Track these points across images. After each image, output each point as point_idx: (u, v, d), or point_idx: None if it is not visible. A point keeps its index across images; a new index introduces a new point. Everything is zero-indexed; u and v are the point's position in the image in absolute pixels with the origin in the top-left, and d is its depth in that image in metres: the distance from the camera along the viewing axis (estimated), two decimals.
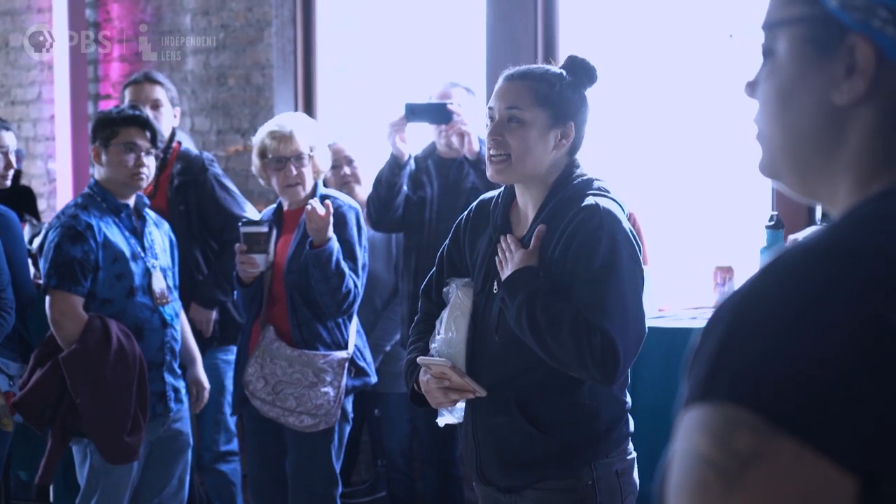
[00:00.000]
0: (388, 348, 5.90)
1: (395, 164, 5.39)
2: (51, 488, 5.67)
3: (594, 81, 3.17)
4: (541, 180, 3.16)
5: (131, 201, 4.84)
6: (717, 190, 5.87)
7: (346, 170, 5.90)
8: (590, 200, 3.06)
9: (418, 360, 3.21)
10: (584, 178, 3.15)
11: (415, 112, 5.31)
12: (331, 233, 4.72)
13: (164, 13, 7.33)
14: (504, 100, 3.14)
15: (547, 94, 3.10)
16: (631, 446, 3.22)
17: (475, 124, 5.55)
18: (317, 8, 6.89)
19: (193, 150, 5.87)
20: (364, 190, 5.87)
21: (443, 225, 5.45)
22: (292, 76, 6.88)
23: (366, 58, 7.06)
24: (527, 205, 3.20)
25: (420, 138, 5.60)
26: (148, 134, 4.76)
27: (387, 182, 5.40)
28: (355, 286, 4.78)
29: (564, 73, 3.15)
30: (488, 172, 3.19)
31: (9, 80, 7.99)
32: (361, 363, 4.95)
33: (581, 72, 3.15)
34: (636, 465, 3.23)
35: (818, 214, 4.86)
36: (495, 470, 3.20)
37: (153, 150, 4.80)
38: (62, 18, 7.47)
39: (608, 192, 3.14)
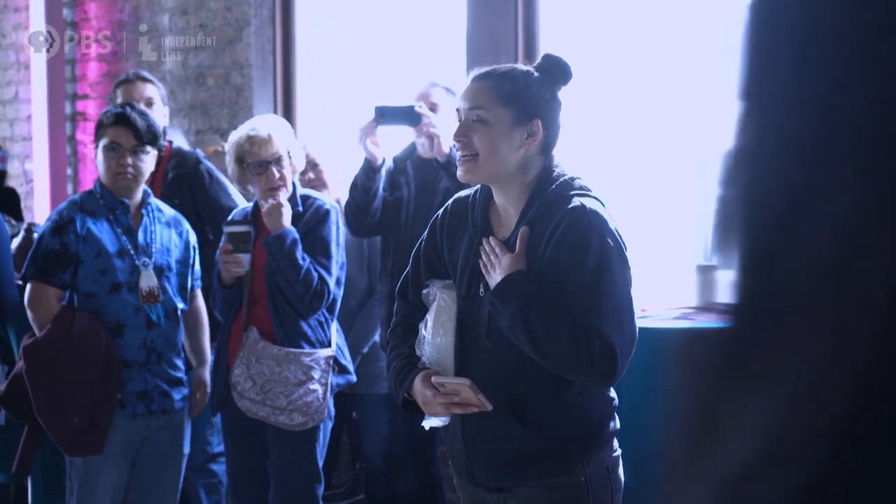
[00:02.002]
0: (365, 350, 5.86)
1: (370, 168, 5.36)
2: (29, 490, 5.61)
3: (568, 79, 3.15)
4: (516, 180, 3.15)
5: (136, 198, 4.85)
6: (697, 190, 5.85)
7: (311, 174, 5.83)
8: (576, 202, 3.05)
9: (433, 380, 3.15)
10: (565, 177, 3.14)
11: (384, 115, 5.28)
12: (285, 223, 4.72)
13: (143, 12, 7.30)
14: (468, 100, 3.15)
15: (510, 93, 3.10)
16: (616, 443, 3.23)
17: (453, 125, 5.51)
18: (296, 7, 6.85)
19: (185, 146, 5.89)
20: (331, 193, 5.80)
21: (419, 225, 5.41)
22: (272, 76, 6.85)
23: (346, 57, 7.03)
24: (506, 205, 3.19)
25: (402, 139, 5.57)
26: (132, 133, 4.74)
27: (362, 187, 5.37)
28: (321, 281, 4.76)
29: (534, 70, 3.14)
30: (458, 173, 3.18)
31: None
32: (343, 361, 4.95)
33: (554, 69, 3.14)
34: (621, 462, 3.24)
35: None
36: (487, 471, 3.20)
37: (143, 149, 4.77)
38: (39, 17, 7.43)
39: (589, 190, 3.14)
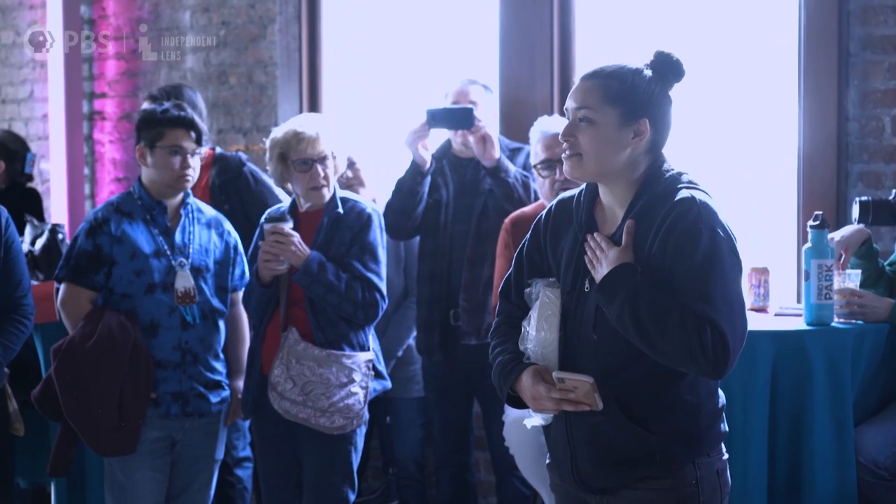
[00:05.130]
0: (399, 353, 5.78)
1: (417, 171, 5.32)
2: (52, 496, 5.53)
3: (680, 77, 3.13)
4: (623, 177, 3.13)
5: (176, 199, 4.83)
6: (747, 191, 5.79)
7: (349, 173, 5.74)
8: (685, 193, 3.03)
9: (554, 375, 3.12)
10: (672, 172, 3.12)
11: (436, 118, 5.25)
12: (305, 249, 4.65)
13: (163, 10, 7.19)
14: (575, 99, 3.14)
15: (617, 92, 3.08)
16: (724, 447, 3.19)
17: (492, 123, 5.46)
18: (322, 4, 6.76)
19: (225, 151, 5.88)
20: (368, 192, 5.75)
21: (458, 227, 5.36)
22: (297, 74, 6.74)
23: (373, 55, 6.94)
24: (612, 203, 3.17)
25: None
26: (193, 135, 4.75)
27: (408, 190, 5.32)
28: (367, 289, 4.70)
29: (645, 67, 3.12)
30: (564, 170, 3.17)
31: (0, 77, 7.83)
32: (380, 367, 4.88)
33: (666, 67, 3.11)
34: (728, 466, 3.20)
35: (855, 213, 4.76)
36: (593, 469, 3.16)
37: (199, 151, 4.79)
38: (56, 15, 7.32)
39: (697, 185, 3.11)
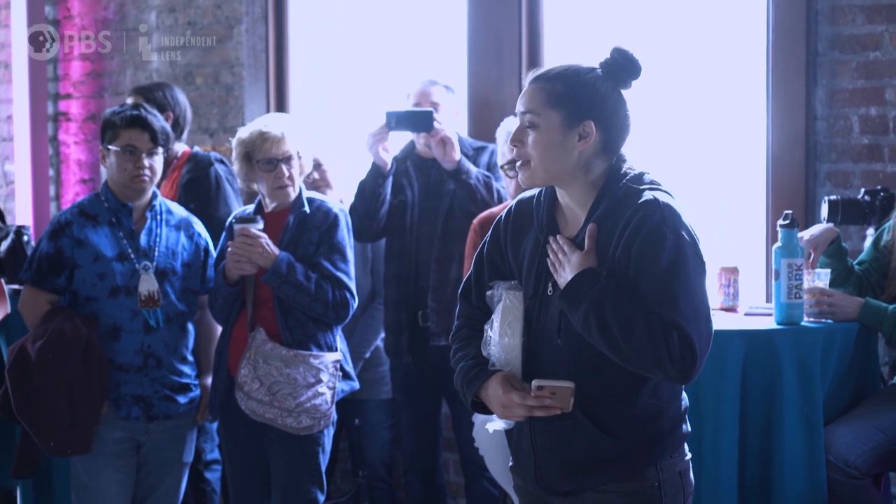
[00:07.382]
0: (367, 355, 5.75)
1: (378, 173, 5.31)
2: (18, 497, 5.49)
3: (634, 75, 3.04)
4: (577, 180, 3.07)
5: (142, 201, 4.80)
6: (716, 190, 5.79)
7: (315, 174, 5.71)
8: (647, 196, 2.98)
9: (534, 383, 3.06)
10: (633, 173, 3.07)
11: (395, 121, 5.25)
12: (274, 251, 4.64)
13: (128, 10, 7.14)
14: (522, 104, 3.10)
15: (560, 95, 3.02)
16: (687, 447, 3.17)
17: (454, 123, 5.46)
18: (289, 4, 6.72)
19: (200, 150, 5.86)
20: (335, 193, 5.72)
21: (424, 228, 5.35)
22: (264, 75, 6.70)
23: (340, 56, 6.91)
24: (571, 204, 3.12)
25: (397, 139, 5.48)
26: (147, 135, 4.71)
27: (370, 193, 5.31)
28: (337, 287, 4.70)
29: (598, 66, 3.05)
30: (519, 178, 3.13)
31: None
32: (347, 367, 4.87)
33: (617, 66, 3.03)
34: (691, 466, 3.19)
35: (823, 213, 4.76)
36: (557, 474, 3.13)
37: (156, 151, 4.75)
38: (20, 15, 7.25)
39: (659, 185, 3.06)
